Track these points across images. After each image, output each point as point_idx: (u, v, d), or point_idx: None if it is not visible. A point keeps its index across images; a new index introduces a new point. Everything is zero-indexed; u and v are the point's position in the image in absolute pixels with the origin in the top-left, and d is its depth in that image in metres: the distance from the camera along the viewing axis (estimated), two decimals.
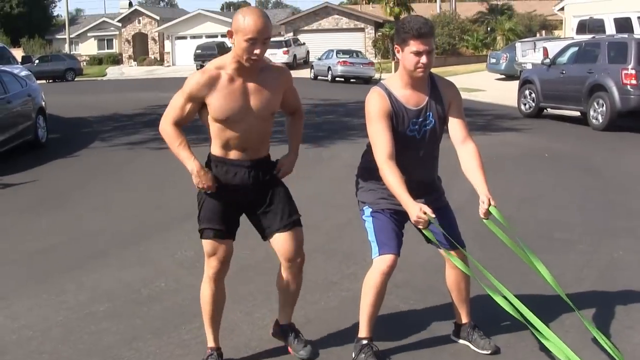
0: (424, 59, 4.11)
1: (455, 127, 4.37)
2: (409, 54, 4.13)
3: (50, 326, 5.21)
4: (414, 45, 4.10)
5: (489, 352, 4.53)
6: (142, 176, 11.75)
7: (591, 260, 6.61)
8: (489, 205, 4.12)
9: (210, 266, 4.28)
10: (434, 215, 4.03)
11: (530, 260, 4.13)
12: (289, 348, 4.58)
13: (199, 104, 4.12)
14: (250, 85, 4.14)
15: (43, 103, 16.03)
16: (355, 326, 4.52)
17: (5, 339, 4.99)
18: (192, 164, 4.15)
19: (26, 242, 7.73)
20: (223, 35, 55.92)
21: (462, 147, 4.35)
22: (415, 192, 4.17)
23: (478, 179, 4.23)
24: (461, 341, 4.71)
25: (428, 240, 4.36)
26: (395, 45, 4.25)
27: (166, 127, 4.19)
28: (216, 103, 4.07)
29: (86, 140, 16.33)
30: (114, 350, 4.74)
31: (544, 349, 4.32)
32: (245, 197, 4.27)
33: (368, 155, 4.39)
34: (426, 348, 4.70)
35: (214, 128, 4.17)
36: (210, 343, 4.45)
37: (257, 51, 3.99)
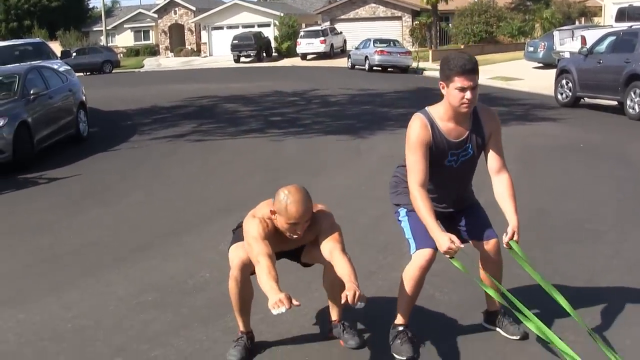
0: (468, 95, 4.26)
1: (493, 157, 4.57)
2: (453, 90, 4.28)
3: (102, 315, 5.48)
4: (458, 82, 4.24)
5: (518, 337, 4.72)
6: (182, 169, 12.00)
7: (620, 250, 6.70)
8: (512, 238, 4.34)
9: (236, 266, 4.44)
10: (462, 245, 4.23)
11: (550, 291, 4.29)
12: (341, 342, 4.80)
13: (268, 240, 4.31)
14: (290, 240, 4.45)
15: (84, 97, 16.40)
16: (391, 313, 4.72)
17: (60, 328, 5.26)
18: (274, 294, 3.93)
19: (73, 235, 8.04)
20: (260, 25, 56.25)
21: (497, 177, 4.56)
22: (449, 205, 4.52)
23: (509, 209, 4.44)
24: (491, 327, 4.91)
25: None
26: (440, 82, 4.39)
27: (261, 266, 4.16)
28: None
29: (126, 133, 16.66)
30: (163, 338, 4.99)
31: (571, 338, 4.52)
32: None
33: (403, 170, 4.62)
34: (459, 335, 4.88)
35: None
36: (241, 328, 4.71)
37: (299, 232, 4.31)
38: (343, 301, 3.93)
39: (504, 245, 4.37)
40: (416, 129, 4.40)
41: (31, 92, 13.31)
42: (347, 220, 7.76)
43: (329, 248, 4.38)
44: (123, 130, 17.21)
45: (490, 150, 4.57)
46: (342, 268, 4.22)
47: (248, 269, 4.39)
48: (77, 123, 15.28)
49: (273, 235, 4.35)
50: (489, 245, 4.60)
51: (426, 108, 4.52)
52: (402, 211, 4.67)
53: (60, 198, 10.21)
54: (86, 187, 10.92)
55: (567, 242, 6.94)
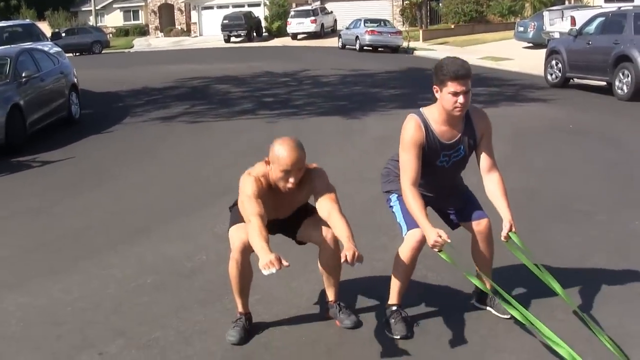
0: (461, 99, 4.40)
1: (484, 158, 4.72)
2: (447, 94, 4.42)
3: (102, 298, 5.58)
4: (451, 87, 4.38)
5: (508, 316, 4.82)
6: (176, 151, 12.07)
7: (608, 231, 6.83)
8: (510, 230, 4.49)
9: (237, 249, 4.56)
10: (449, 240, 4.36)
11: (546, 279, 4.51)
12: (337, 322, 4.92)
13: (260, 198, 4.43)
14: (286, 198, 4.61)
15: (75, 80, 16.42)
16: (385, 293, 4.86)
17: (61, 311, 5.36)
18: (265, 254, 4.03)
19: (70, 218, 8.13)
20: (250, 5, 56.05)
21: (488, 175, 4.70)
22: (440, 196, 4.74)
23: (502, 205, 4.59)
24: (483, 307, 5.06)
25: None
26: (434, 86, 4.52)
27: (252, 224, 4.28)
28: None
29: (118, 115, 16.71)
30: (163, 320, 5.10)
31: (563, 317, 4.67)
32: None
33: (395, 163, 4.79)
34: (451, 314, 5.01)
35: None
36: (240, 309, 4.84)
37: (292, 180, 4.44)
38: (342, 260, 4.08)
39: (502, 239, 4.51)
40: (410, 130, 4.54)
41: (23, 74, 13.33)
42: (341, 202, 7.88)
43: (327, 209, 4.51)
44: (115, 112, 17.25)
45: (482, 151, 4.72)
46: (341, 229, 4.37)
47: (249, 252, 4.48)
48: (69, 105, 15.31)
49: (268, 194, 4.49)
50: (481, 225, 4.75)
51: (420, 109, 4.66)
52: (393, 197, 4.83)
53: (54, 181, 10.28)
54: (80, 170, 10.98)
55: (556, 222, 7.08)
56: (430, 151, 4.58)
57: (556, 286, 4.48)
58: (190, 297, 5.49)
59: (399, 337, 4.65)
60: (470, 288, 5.17)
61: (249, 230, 4.25)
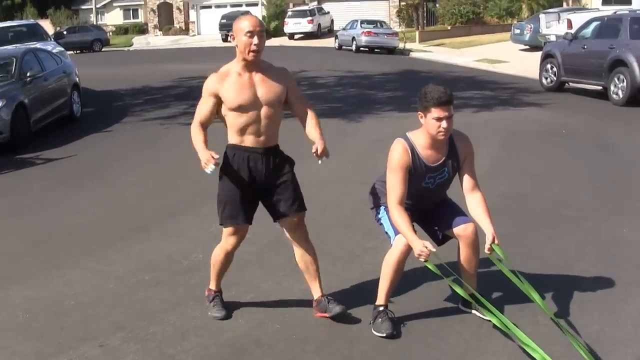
0: (444, 124, 4.69)
1: (467, 179, 5.01)
2: (431, 120, 4.71)
3: (103, 293, 5.83)
4: (435, 113, 4.67)
5: None
6: (174, 151, 12.22)
7: (595, 237, 7.00)
8: (492, 242, 4.74)
9: (228, 242, 5.11)
10: (435, 250, 4.65)
11: (526, 289, 4.74)
12: (320, 314, 5.19)
13: (216, 98, 4.88)
14: (256, 78, 4.94)
15: (77, 79, 16.70)
16: (374, 295, 5.09)
17: (64, 304, 5.61)
18: (203, 153, 4.68)
19: (72, 215, 8.36)
20: (248, 5, 56.12)
21: (470, 195, 4.99)
22: (425, 211, 5.09)
23: (485, 222, 4.87)
24: (468, 310, 5.27)
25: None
26: (419, 112, 4.80)
27: (193, 127, 4.90)
28: (229, 95, 4.85)
29: (118, 114, 16.93)
30: (161, 315, 5.33)
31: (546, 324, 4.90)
32: (259, 181, 4.99)
33: (382, 185, 5.07)
34: (437, 316, 5.24)
35: (230, 118, 4.91)
36: (215, 287, 5.38)
37: (255, 41, 4.78)
38: (313, 151, 4.72)
39: (486, 251, 4.76)
40: (397, 153, 4.84)
41: (27, 74, 13.61)
42: (333, 204, 8.13)
43: (302, 106, 5.10)
44: (115, 111, 17.48)
45: (465, 173, 5.00)
46: (312, 126, 4.99)
47: (238, 244, 5.12)
48: (70, 104, 15.56)
49: (227, 81, 4.89)
50: (467, 230, 4.98)
51: (407, 134, 4.93)
52: (381, 210, 5.12)
53: (57, 178, 10.51)
54: (81, 168, 11.21)
55: (543, 227, 7.28)
56: (417, 173, 4.86)
57: (535, 296, 4.71)
58: (187, 294, 5.73)
59: (384, 335, 4.88)
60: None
61: (192, 130, 4.85)
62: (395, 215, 4.78)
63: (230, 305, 5.35)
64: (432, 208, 5.15)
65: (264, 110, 4.89)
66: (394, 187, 4.82)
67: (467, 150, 4.99)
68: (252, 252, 6.19)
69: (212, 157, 4.56)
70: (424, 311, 5.31)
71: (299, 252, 5.19)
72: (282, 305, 5.46)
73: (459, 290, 4.85)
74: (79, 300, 5.68)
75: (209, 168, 4.56)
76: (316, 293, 5.26)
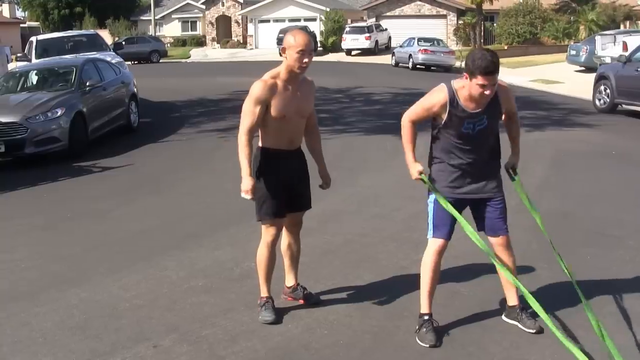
0: (487, 91, 4.85)
1: (507, 116, 5.30)
2: (475, 85, 4.85)
3: (157, 297, 6.09)
4: (480, 80, 4.81)
5: (534, 331, 5.20)
6: (229, 163, 12.34)
7: (637, 256, 7.05)
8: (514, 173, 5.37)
9: (269, 234, 5.47)
10: (427, 179, 5.12)
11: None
12: (291, 298, 5.80)
13: (265, 106, 5.19)
14: (299, 90, 5.33)
15: (135, 89, 17.08)
16: (418, 304, 5.27)
17: (120, 307, 5.88)
18: (247, 180, 5.16)
19: (128, 223, 8.68)
20: (306, 20, 56.62)
21: (509, 122, 5.39)
22: (473, 174, 5.18)
23: (512, 147, 5.43)
24: (511, 321, 5.39)
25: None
26: (465, 74, 4.95)
27: (242, 137, 5.21)
28: (278, 105, 5.20)
29: (175, 125, 17.31)
30: (212, 319, 5.57)
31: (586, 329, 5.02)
32: (289, 178, 5.43)
33: (431, 143, 5.31)
34: (479, 326, 5.39)
35: (270, 124, 5.28)
36: (265, 293, 5.57)
37: (306, 60, 5.15)
38: (319, 185, 5.58)
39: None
40: (435, 99, 5.10)
41: (87, 83, 14.06)
42: (384, 218, 8.29)
43: (313, 117, 5.64)
44: (171, 122, 17.87)
45: (507, 121, 5.33)
46: (317, 142, 5.74)
47: (277, 236, 5.52)
48: (128, 114, 15.97)
49: (276, 93, 5.20)
50: (499, 240, 5.22)
51: (452, 82, 5.12)
52: (431, 197, 5.27)
53: (113, 187, 10.87)
54: (137, 177, 11.57)
55: (587, 246, 7.34)
56: (456, 117, 5.01)
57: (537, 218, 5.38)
58: (238, 300, 5.96)
59: (428, 345, 5.04)
60: (500, 303, 5.55)
61: (240, 145, 5.15)
62: (404, 132, 5.31)
63: (280, 311, 5.58)
64: (482, 172, 5.19)
65: (300, 119, 5.43)
66: (415, 111, 5.25)
67: (506, 101, 5.16)
68: (303, 262, 6.39)
69: (251, 190, 5.14)
70: (466, 321, 5.46)
71: (289, 241, 5.71)
72: (331, 312, 5.66)
73: (505, 272, 5.09)
74: (133, 303, 5.94)
75: (248, 196, 5.16)
76: (291, 281, 5.78)
